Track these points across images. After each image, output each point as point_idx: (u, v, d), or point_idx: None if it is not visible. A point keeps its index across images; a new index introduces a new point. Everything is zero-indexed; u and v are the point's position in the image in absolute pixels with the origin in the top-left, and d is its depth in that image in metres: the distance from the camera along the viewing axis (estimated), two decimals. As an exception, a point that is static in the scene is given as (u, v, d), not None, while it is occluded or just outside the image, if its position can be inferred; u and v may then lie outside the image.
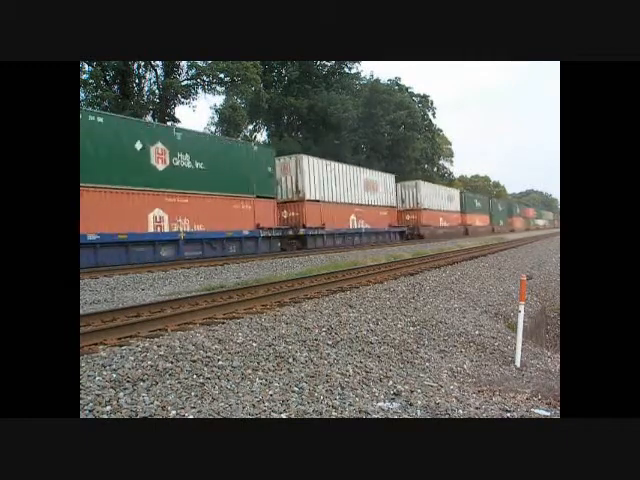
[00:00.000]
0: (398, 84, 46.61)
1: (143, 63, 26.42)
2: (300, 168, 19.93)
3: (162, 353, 3.96)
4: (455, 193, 39.85)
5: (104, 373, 3.48)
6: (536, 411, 3.82)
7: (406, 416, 3.29)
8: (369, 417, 3.18)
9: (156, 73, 27.55)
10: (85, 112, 12.42)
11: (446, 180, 55.97)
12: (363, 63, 43.26)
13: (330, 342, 4.86)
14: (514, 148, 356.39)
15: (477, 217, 44.15)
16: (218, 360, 3.97)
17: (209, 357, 4.00)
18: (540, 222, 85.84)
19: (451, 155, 59.97)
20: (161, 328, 5.02)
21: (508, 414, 3.63)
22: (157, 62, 26.73)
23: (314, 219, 20.39)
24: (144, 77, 27.56)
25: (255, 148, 18.13)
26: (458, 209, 38.90)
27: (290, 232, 18.95)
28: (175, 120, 27.87)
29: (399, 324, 5.98)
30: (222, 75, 27.25)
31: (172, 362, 3.80)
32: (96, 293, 8.11)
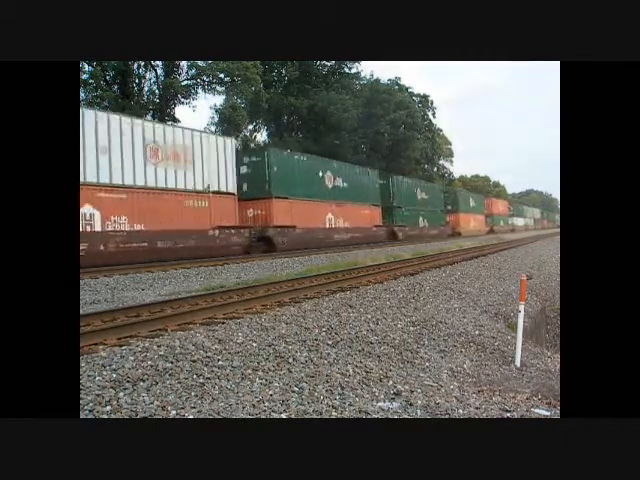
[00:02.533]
0: (398, 84, 46.54)
1: (143, 63, 26.40)
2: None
3: (162, 353, 3.96)
4: (221, 142, 16.07)
5: (104, 373, 3.48)
6: (536, 411, 3.82)
7: (406, 416, 3.29)
8: (369, 417, 3.18)
9: (156, 73, 27.54)
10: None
11: (446, 180, 55.84)
12: (363, 63, 43.13)
13: (330, 342, 4.86)
14: (514, 148, 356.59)
15: (338, 209, 22.46)
16: (218, 360, 3.97)
17: (209, 357, 4.00)
18: (519, 221, 63.76)
19: (451, 155, 59.85)
20: (161, 328, 5.02)
21: (508, 414, 3.63)
22: (157, 62, 26.73)
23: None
24: (144, 77, 27.55)
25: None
26: (232, 190, 16.42)
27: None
28: (175, 120, 27.83)
29: (399, 324, 5.98)
30: (222, 75, 27.22)
31: (172, 362, 3.80)
32: (96, 293, 8.11)
